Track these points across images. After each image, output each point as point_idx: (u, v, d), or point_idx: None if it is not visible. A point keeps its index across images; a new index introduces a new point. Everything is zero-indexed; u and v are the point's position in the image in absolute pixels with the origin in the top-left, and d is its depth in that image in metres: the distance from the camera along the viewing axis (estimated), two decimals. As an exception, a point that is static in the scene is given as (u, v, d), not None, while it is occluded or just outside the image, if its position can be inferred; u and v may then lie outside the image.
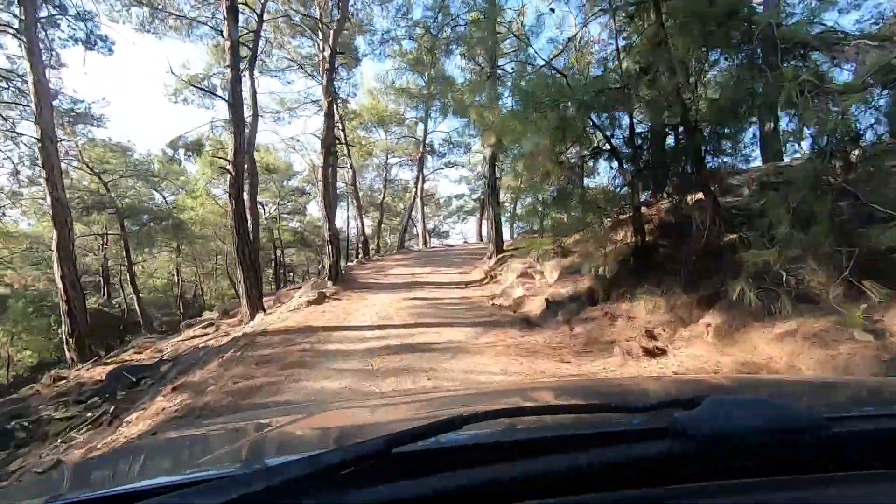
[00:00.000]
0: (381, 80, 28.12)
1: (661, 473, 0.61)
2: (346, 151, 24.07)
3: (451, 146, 30.07)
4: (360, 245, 24.06)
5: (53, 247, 12.07)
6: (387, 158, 32.69)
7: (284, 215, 37.29)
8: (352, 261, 20.88)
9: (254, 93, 16.77)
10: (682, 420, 0.63)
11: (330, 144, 15.03)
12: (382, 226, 33.30)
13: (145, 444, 1.69)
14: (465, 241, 27.83)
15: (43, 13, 14.68)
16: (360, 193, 34.22)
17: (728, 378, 2.68)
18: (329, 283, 12.32)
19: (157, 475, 0.93)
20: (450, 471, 0.58)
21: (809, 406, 0.96)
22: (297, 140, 28.20)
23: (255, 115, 17.05)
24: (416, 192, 28.00)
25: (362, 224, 24.56)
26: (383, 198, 32.63)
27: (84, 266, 22.76)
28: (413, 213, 30.28)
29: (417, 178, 26.91)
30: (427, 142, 28.75)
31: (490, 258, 14.39)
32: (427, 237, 28.37)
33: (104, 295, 24.77)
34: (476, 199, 38.30)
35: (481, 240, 28.55)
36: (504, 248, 15.04)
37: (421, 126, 27.88)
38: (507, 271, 11.13)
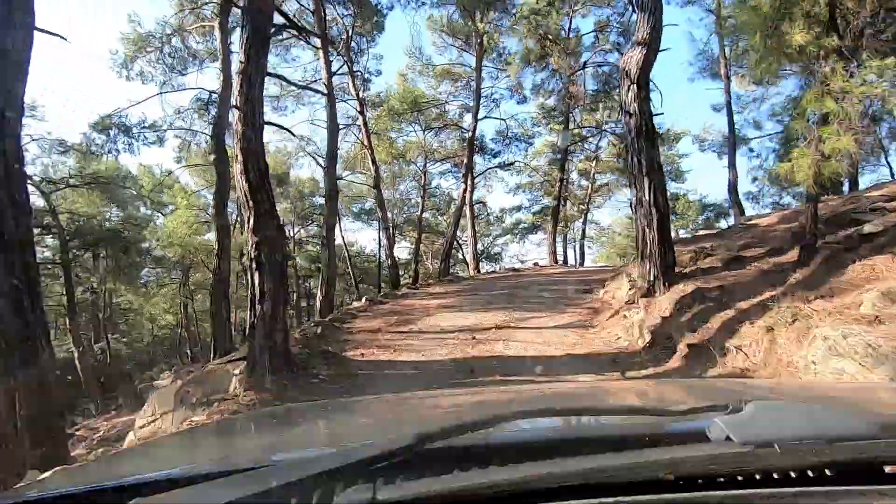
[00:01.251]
0: (414, 54, 21.63)
1: (700, 479, 0.59)
2: (366, 146, 17.42)
3: (507, 141, 22.89)
4: (383, 272, 17.03)
5: None
6: (425, 163, 25.85)
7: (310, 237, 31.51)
8: (371, 296, 13.90)
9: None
10: (725, 424, 0.61)
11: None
12: (422, 247, 26.38)
13: (193, 433, 1.73)
14: (536, 265, 20.03)
15: None
16: (392, 207, 27.67)
17: (771, 383, 2.48)
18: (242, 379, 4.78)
19: (199, 463, 0.96)
20: (481, 468, 0.58)
21: (860, 413, 0.89)
22: (308, 141, 21.76)
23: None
24: (462, 203, 20.75)
25: (388, 241, 17.44)
26: (421, 212, 25.65)
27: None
28: (459, 230, 23.05)
29: (465, 183, 19.67)
30: (476, 136, 21.70)
31: (646, 290, 6.71)
32: (478, 261, 20.81)
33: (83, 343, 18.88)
34: (536, 211, 30.81)
35: (556, 262, 20.86)
36: (675, 263, 7.21)
37: (468, 118, 21.09)
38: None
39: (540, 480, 0.55)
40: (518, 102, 22.87)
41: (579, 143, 23.40)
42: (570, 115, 21.07)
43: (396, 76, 21.06)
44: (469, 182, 19.81)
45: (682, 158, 25.56)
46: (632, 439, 0.67)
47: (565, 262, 25.35)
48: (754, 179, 22.82)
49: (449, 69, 22.08)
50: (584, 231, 31.89)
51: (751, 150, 23.10)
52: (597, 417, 0.85)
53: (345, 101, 18.18)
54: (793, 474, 0.59)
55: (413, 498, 0.54)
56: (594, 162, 30.44)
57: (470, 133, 19.32)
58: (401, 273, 20.67)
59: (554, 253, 20.75)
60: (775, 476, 0.59)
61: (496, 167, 23.23)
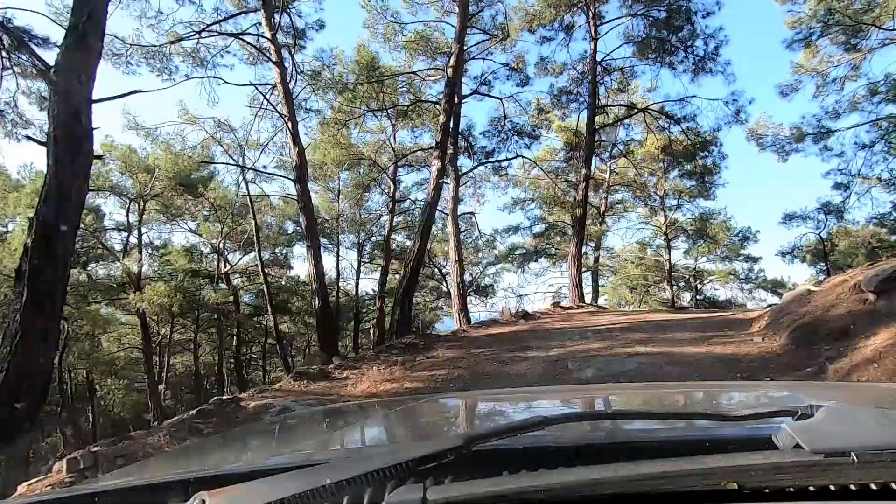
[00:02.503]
0: (375, 7, 15.35)
1: (766, 489, 0.55)
2: (286, 118, 10.85)
3: (503, 136, 16.60)
4: (319, 321, 10.14)
5: None
6: (395, 168, 19.34)
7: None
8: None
9: None
10: (794, 431, 0.57)
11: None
12: (399, 279, 19.60)
13: (249, 431, 1.78)
14: (558, 305, 13.08)
15: None
16: (355, 227, 20.99)
17: (843, 386, 2.38)
18: None
19: (252, 459, 1.03)
20: (530, 471, 0.57)
21: None
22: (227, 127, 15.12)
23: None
24: (430, 205, 14.06)
25: (316, 269, 10.42)
26: (389, 233, 19.02)
27: None
28: (442, 257, 16.47)
29: (437, 166, 13.05)
30: (463, 127, 15.32)
31: None
32: (465, 302, 13.76)
33: None
34: (538, 232, 24.37)
35: (582, 300, 14.22)
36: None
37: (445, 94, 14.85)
38: None
39: (592, 485, 0.54)
40: (518, 84, 16.75)
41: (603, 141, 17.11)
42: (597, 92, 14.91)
43: (356, 48, 14.86)
44: (453, 181, 13.28)
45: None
46: (691, 445, 0.64)
47: (595, 299, 18.75)
48: (840, 187, 16.80)
49: (425, 35, 15.90)
50: (597, 258, 25.53)
51: (827, 148, 17.06)
52: (653, 421, 0.80)
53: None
54: (873, 486, 0.53)
55: (462, 499, 0.54)
56: (617, 163, 24.35)
57: (447, 118, 12.84)
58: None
59: (579, 286, 14.11)
60: (852, 489, 0.53)
61: (491, 161, 16.58)
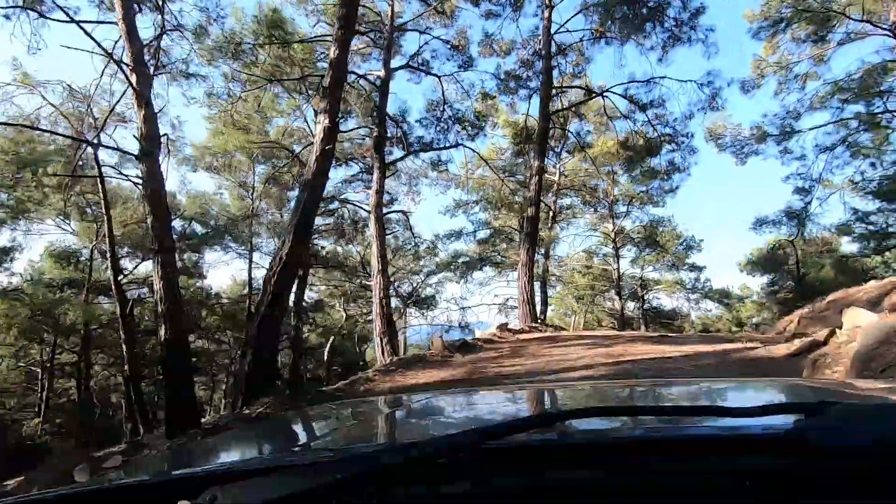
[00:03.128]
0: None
1: (777, 486, 0.55)
2: (134, 94, 7.74)
3: (442, 125, 14.10)
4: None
5: None
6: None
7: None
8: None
9: None
10: (806, 428, 0.57)
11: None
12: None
13: (257, 427, 1.76)
14: (506, 328, 10.56)
15: None
16: (272, 231, 17.86)
17: (857, 383, 2.18)
18: None
19: (264, 455, 1.00)
20: (542, 467, 0.57)
21: None
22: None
23: None
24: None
25: (165, 289, 7.12)
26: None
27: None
28: (371, 269, 13.69)
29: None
30: (395, 111, 12.76)
31: None
32: (388, 327, 10.91)
33: None
34: (482, 238, 22.17)
35: (535, 318, 11.89)
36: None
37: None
38: None
39: (605, 481, 0.54)
40: (461, 66, 14.33)
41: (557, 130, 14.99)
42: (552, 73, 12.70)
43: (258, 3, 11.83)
44: (377, 171, 10.57)
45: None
46: (702, 441, 0.65)
47: (544, 311, 16.61)
48: (801, 192, 15.70)
49: None
50: (546, 266, 23.66)
51: (787, 151, 15.93)
52: (666, 417, 0.78)
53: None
54: (884, 483, 0.53)
55: (475, 494, 0.54)
56: (564, 166, 22.59)
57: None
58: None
59: (530, 301, 11.74)
60: (864, 486, 0.53)
61: (428, 150, 13.91)
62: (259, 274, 24.77)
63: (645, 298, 32.50)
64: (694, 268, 30.40)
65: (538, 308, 20.16)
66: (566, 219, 27.24)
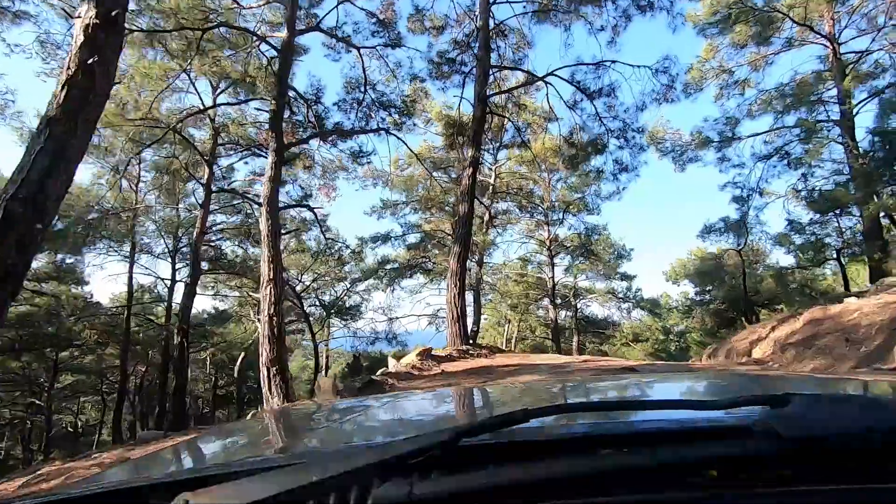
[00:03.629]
0: None
1: (742, 475, 0.57)
2: None
3: (366, 110, 11.98)
4: None
5: None
6: (213, 145, 13.62)
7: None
8: None
9: None
10: (770, 418, 0.59)
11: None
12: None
13: (232, 429, 1.76)
14: (428, 356, 8.59)
15: None
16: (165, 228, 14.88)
17: (815, 376, 2.37)
18: None
19: (237, 458, 0.97)
20: (517, 463, 0.58)
21: None
22: None
23: None
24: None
25: None
26: (198, 236, 13.28)
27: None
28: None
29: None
30: (305, 88, 10.55)
31: None
32: (278, 341, 8.70)
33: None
34: (413, 244, 20.29)
35: (463, 330, 10.02)
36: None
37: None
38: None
39: (577, 476, 0.55)
40: (387, 44, 12.33)
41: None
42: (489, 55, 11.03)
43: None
44: (272, 154, 8.28)
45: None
46: (671, 434, 0.66)
47: (477, 322, 14.94)
48: (740, 200, 15.29)
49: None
50: (480, 275, 22.15)
51: (725, 159, 15.52)
52: (633, 411, 0.81)
53: None
54: (847, 470, 0.55)
55: (450, 493, 0.54)
56: (499, 169, 21.25)
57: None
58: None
59: (460, 319, 9.85)
60: (828, 474, 0.55)
61: (344, 133, 11.63)
62: (148, 280, 21.09)
63: (577, 307, 32.26)
64: (625, 277, 30.49)
65: (470, 322, 18.51)
66: (501, 224, 26.00)
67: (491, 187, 21.12)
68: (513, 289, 31.34)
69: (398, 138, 12.08)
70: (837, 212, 12.90)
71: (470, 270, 22.94)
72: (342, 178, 15.62)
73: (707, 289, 19.70)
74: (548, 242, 26.40)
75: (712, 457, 0.56)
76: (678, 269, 38.87)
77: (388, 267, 20.87)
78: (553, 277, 26.53)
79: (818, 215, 14.05)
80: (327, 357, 23.73)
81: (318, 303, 23.63)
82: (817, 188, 13.41)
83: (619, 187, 11.95)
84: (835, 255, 13.70)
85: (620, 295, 29.44)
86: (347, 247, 19.20)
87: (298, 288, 21.05)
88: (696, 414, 0.69)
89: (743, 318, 18.05)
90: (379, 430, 1.11)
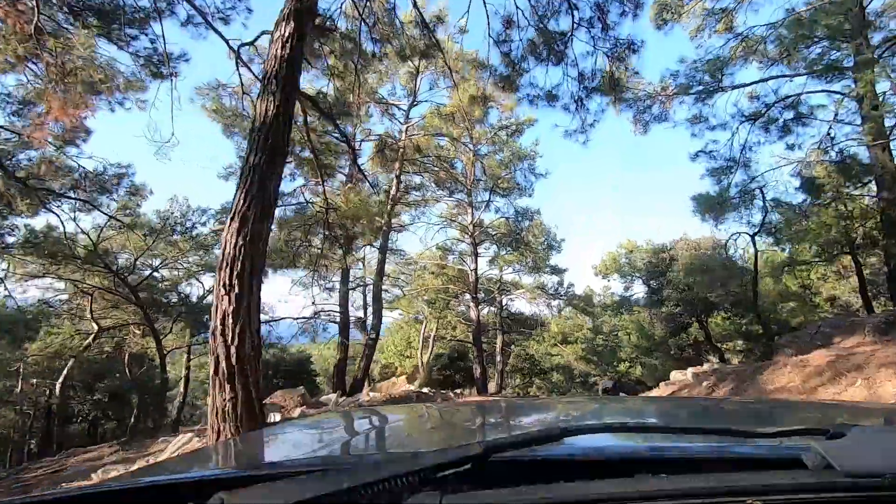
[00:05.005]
0: None
1: None
2: None
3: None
4: None
5: None
6: None
7: None
8: None
9: None
10: (825, 450, 0.55)
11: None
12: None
13: (269, 433, 1.61)
14: None
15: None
16: None
17: (874, 406, 2.10)
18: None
19: (272, 460, 1.01)
20: (548, 483, 0.56)
21: None
22: None
23: None
24: None
25: None
26: None
27: None
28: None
29: None
30: None
31: None
32: None
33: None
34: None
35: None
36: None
37: None
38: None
39: (610, 500, 0.53)
40: None
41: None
42: None
43: None
44: None
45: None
46: (715, 461, 0.62)
47: (377, 326, 10.31)
48: (716, 173, 11.68)
49: None
50: (381, 267, 17.32)
51: (699, 119, 12.04)
52: (675, 435, 0.76)
53: None
54: None
55: None
56: (408, 130, 16.46)
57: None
58: None
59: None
60: None
61: None
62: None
63: (503, 304, 28.62)
64: (555, 270, 27.18)
65: (369, 322, 13.69)
66: (417, 205, 21.26)
67: (400, 152, 16.30)
68: (430, 282, 26.92)
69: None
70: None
71: (364, 259, 18.00)
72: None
73: (653, 286, 16.36)
74: (471, 228, 22.21)
75: (759, 487, 0.52)
76: (608, 263, 36.66)
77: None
78: (476, 269, 22.39)
79: (810, 198, 10.78)
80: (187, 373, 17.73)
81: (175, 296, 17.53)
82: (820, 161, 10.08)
83: (582, 125, 7.40)
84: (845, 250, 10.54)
85: (551, 291, 26.06)
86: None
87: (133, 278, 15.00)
88: (745, 441, 0.65)
89: (698, 323, 14.81)
90: (414, 440, 1.09)
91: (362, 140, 17.12)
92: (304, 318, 14.53)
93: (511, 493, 0.54)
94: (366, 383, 10.05)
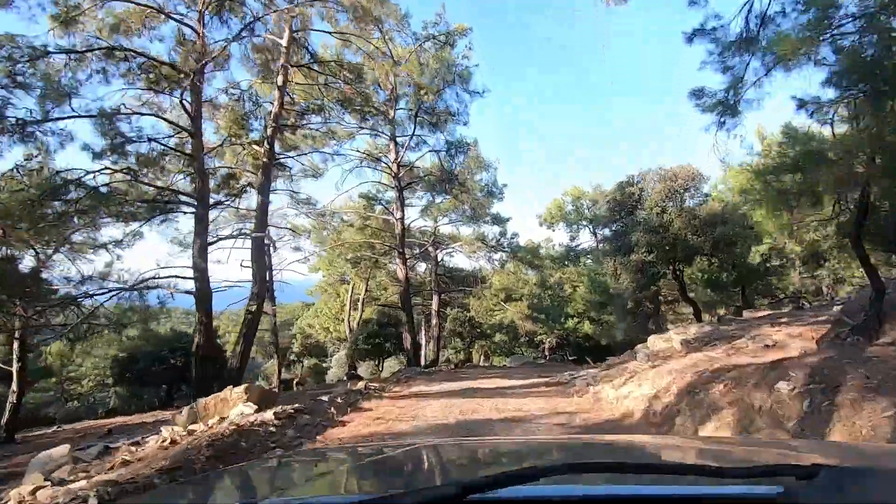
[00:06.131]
0: None
1: None
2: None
3: None
4: None
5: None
6: None
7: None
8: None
9: None
10: (797, 490, 0.58)
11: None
12: None
13: (227, 472, 1.63)
14: None
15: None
16: None
17: (844, 444, 2.20)
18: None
19: (235, 500, 0.99)
20: None
21: None
22: None
23: None
24: None
25: None
26: None
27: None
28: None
29: None
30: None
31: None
32: None
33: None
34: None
35: None
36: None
37: None
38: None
39: None
40: None
41: None
42: None
43: None
44: None
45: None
46: (689, 502, 0.63)
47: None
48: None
49: None
50: (263, 218, 12.87)
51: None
52: (650, 475, 0.75)
53: None
54: None
55: None
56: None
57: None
58: None
59: None
60: None
61: None
62: None
63: (438, 259, 25.00)
64: (497, 220, 23.76)
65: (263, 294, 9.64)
66: (323, 139, 16.58)
67: (283, 50, 11.63)
68: (352, 237, 22.67)
69: None
70: None
71: (234, 199, 13.64)
72: None
73: (617, 229, 13.12)
74: (394, 168, 18.00)
75: None
76: (553, 211, 33.83)
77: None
78: (402, 219, 18.36)
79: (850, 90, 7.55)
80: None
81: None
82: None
83: None
84: None
85: (492, 242, 22.66)
86: None
87: None
88: (718, 481, 0.66)
89: (672, 272, 11.83)
90: (390, 481, 1.05)
91: (232, 39, 12.16)
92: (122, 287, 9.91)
93: None
94: (228, 388, 6.20)
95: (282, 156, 13.77)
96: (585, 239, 31.61)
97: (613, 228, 12.82)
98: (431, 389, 9.08)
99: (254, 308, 11.41)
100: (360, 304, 29.22)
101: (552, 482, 0.64)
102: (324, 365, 31.21)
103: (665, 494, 0.66)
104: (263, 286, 11.76)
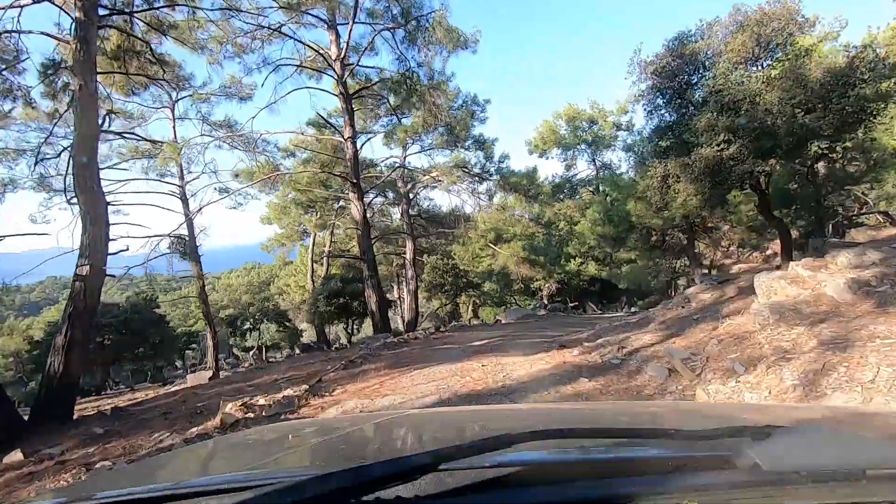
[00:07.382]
0: None
1: None
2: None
3: None
4: None
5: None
6: None
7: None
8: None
9: None
10: (752, 451, 0.59)
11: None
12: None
13: (203, 446, 1.68)
14: None
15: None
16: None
17: (796, 408, 2.24)
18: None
19: (210, 475, 0.98)
20: (496, 491, 0.58)
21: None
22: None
23: None
24: None
25: None
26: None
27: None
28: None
29: None
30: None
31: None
32: None
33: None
34: None
35: None
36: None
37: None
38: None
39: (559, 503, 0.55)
40: None
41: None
42: None
43: None
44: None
45: None
46: (654, 463, 0.65)
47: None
48: None
49: None
50: (87, 143, 7.32)
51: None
52: (616, 440, 0.80)
53: None
54: None
55: None
56: None
57: None
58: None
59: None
60: None
61: None
62: None
63: (411, 197, 20.28)
64: (479, 143, 18.95)
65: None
66: (220, 23, 11.43)
67: None
68: (300, 177, 17.76)
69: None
70: None
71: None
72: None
73: (665, 120, 8.53)
74: (338, 68, 12.95)
75: (694, 487, 0.56)
76: (545, 135, 28.87)
77: None
78: (353, 137, 13.47)
79: None
80: None
81: None
82: None
83: None
84: None
85: (476, 169, 17.92)
86: None
87: None
88: (680, 444, 0.69)
89: (761, 174, 7.56)
90: (363, 452, 1.06)
91: None
92: None
93: (459, 502, 0.54)
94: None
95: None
96: (583, 168, 27.05)
97: (663, 116, 8.34)
98: (382, 394, 4.84)
99: (85, 272, 6.80)
100: (324, 259, 24.77)
101: (522, 450, 0.65)
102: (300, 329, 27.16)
103: (633, 456, 0.69)
104: (100, 238, 7.07)
